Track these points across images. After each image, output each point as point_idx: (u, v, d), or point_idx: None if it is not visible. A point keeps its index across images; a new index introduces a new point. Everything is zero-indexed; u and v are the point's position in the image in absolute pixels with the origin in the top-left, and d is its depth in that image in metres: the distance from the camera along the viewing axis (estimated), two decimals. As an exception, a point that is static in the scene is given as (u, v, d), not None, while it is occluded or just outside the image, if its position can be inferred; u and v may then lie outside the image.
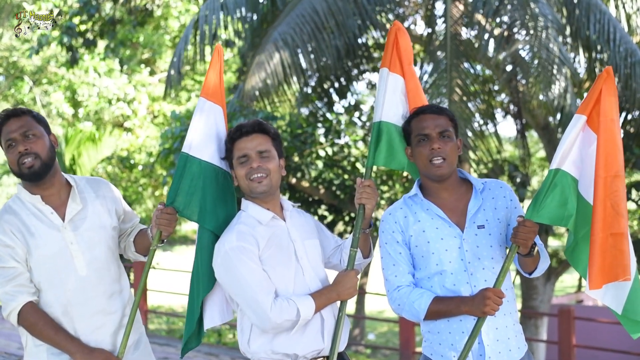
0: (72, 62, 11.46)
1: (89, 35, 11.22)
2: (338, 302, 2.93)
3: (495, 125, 8.48)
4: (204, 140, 3.00)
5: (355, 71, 10.43)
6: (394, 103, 3.08)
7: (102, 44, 15.02)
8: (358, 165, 9.34)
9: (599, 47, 7.82)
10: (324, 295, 2.84)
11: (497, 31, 8.06)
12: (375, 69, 10.75)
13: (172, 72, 8.77)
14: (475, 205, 2.84)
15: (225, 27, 8.75)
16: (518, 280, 10.59)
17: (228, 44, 10.07)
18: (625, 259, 2.72)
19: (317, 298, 2.81)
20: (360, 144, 10.00)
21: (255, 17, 9.05)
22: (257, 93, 8.26)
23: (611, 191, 2.71)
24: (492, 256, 2.81)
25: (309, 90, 9.87)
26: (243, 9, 8.74)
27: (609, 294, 2.79)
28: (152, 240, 2.99)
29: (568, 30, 8.04)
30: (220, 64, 3.07)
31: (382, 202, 10.37)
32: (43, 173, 2.91)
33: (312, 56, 8.25)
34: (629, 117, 8.57)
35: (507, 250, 2.79)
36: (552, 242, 17.98)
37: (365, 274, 13.88)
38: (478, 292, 2.73)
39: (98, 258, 2.98)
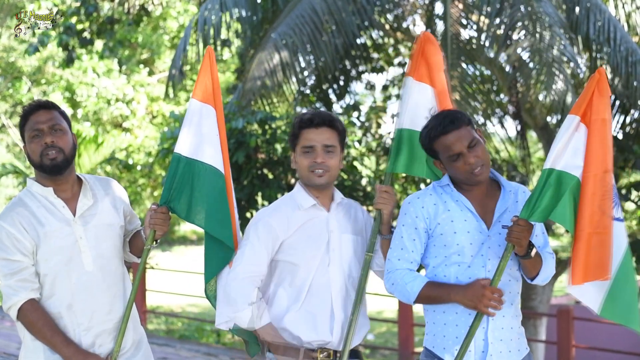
0: (69, 61, 11.43)
1: (86, 34, 11.20)
2: (351, 303, 2.99)
3: (502, 123, 8.49)
4: (195, 140, 3.07)
5: (354, 71, 10.42)
6: (418, 110, 3.12)
7: (99, 43, 15.02)
8: (357, 165, 9.32)
9: (599, 47, 7.80)
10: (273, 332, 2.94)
11: (497, 31, 8.04)
12: (374, 70, 10.72)
13: (174, 71, 8.75)
14: (503, 205, 2.86)
15: (228, 28, 8.73)
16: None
17: (226, 43, 10.05)
18: (607, 258, 2.76)
19: (270, 328, 2.92)
20: (359, 145, 9.98)
21: (254, 17, 9.03)
22: (255, 93, 8.26)
23: (598, 189, 2.74)
24: (510, 257, 2.80)
25: (308, 91, 9.86)
26: (242, 10, 8.72)
27: (587, 292, 2.84)
28: (146, 240, 3.02)
29: (568, 30, 8.02)
30: (212, 66, 3.10)
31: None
32: (63, 168, 2.95)
33: (311, 56, 8.24)
34: (628, 118, 8.56)
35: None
36: (552, 243, 17.94)
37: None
38: (471, 283, 2.73)
39: (104, 255, 3.00)
